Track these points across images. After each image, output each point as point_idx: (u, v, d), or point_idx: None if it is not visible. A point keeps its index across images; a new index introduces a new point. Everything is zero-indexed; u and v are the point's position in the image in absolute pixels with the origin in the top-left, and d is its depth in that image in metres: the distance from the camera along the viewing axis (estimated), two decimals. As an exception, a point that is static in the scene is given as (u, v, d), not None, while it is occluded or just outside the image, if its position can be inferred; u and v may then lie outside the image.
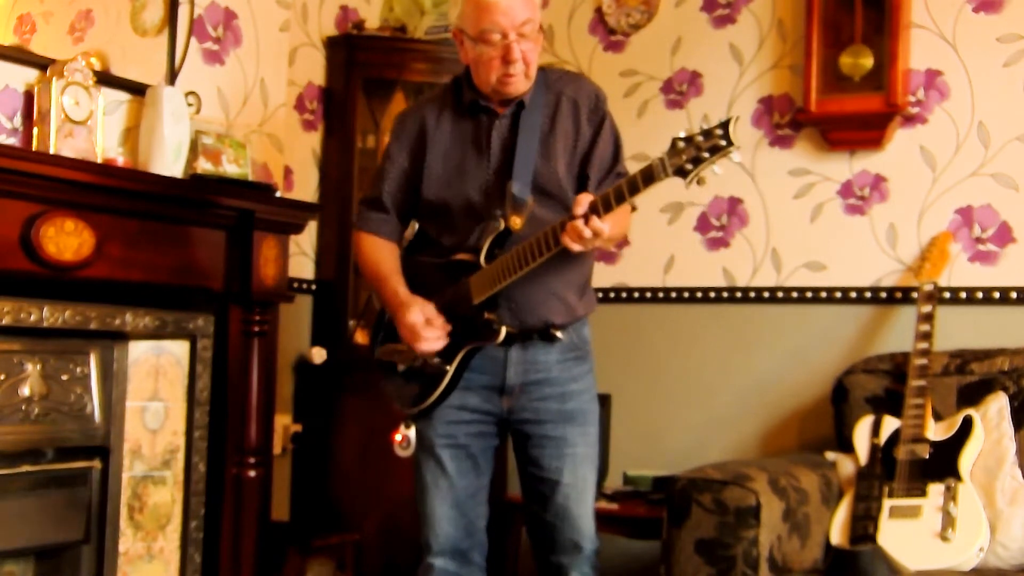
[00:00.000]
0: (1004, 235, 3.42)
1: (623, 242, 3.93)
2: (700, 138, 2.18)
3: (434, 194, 2.56)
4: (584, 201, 2.29)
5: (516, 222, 2.43)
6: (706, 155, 2.17)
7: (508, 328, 2.46)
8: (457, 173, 2.55)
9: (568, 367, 2.57)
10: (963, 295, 3.44)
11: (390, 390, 2.65)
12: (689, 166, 2.18)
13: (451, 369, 2.51)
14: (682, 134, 2.20)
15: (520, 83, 2.49)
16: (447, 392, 2.53)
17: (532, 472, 2.59)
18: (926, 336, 3.17)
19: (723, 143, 2.16)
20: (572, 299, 2.56)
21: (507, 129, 2.53)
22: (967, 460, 2.98)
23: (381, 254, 2.64)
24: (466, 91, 2.56)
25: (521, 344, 2.52)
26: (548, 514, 2.58)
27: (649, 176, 2.23)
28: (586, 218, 2.27)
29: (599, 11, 4.08)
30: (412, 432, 2.59)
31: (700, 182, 2.20)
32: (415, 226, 2.71)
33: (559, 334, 2.52)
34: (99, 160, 2.97)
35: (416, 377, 2.57)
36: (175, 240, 3.10)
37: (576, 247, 2.31)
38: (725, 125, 2.16)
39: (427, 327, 2.47)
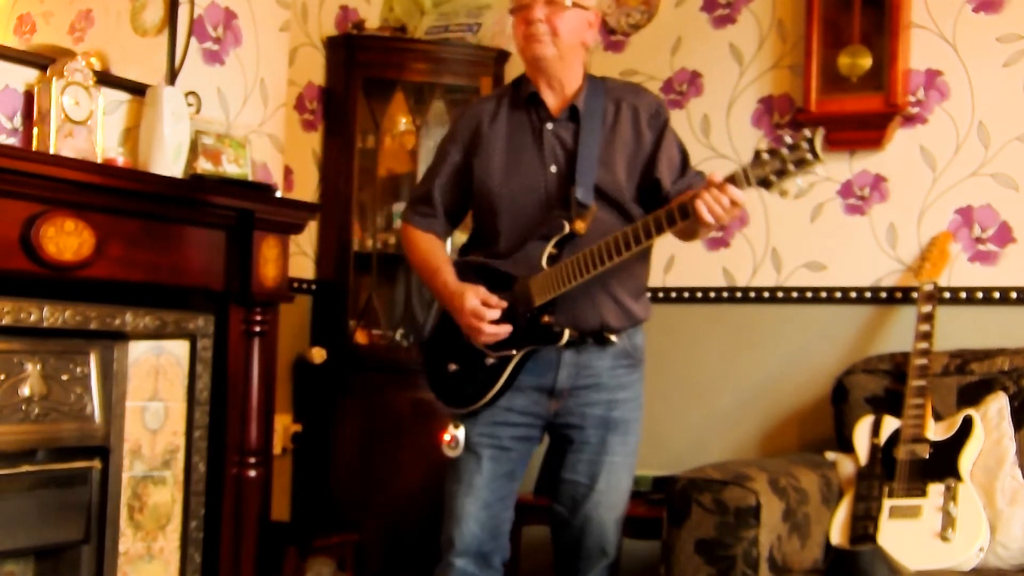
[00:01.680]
0: (1004, 235, 3.42)
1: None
2: (785, 151, 2.21)
3: (490, 187, 2.57)
4: (718, 175, 2.28)
5: (580, 226, 2.44)
6: (792, 168, 2.20)
7: (571, 333, 2.46)
8: (513, 169, 2.55)
9: (618, 375, 2.57)
10: (963, 295, 3.44)
11: (438, 388, 2.63)
12: (773, 178, 2.22)
13: (508, 370, 2.51)
14: (764, 145, 2.24)
15: (546, 46, 2.49)
16: (501, 393, 2.53)
17: (566, 476, 2.59)
18: (926, 336, 3.17)
19: (809, 156, 2.19)
20: (629, 302, 2.56)
21: (565, 132, 2.54)
22: (967, 460, 2.98)
23: (429, 247, 2.65)
24: (524, 84, 2.59)
25: (575, 347, 2.52)
26: (576, 519, 2.58)
27: (731, 184, 2.25)
28: (720, 188, 2.26)
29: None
30: (461, 432, 2.57)
31: (783, 194, 2.23)
32: (469, 227, 2.72)
33: (613, 338, 2.52)
34: (99, 160, 2.97)
35: (468, 376, 2.56)
36: (175, 240, 3.10)
37: (710, 218, 2.27)
38: (811, 140, 2.19)
39: (486, 308, 2.47)
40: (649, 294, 2.68)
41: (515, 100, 2.61)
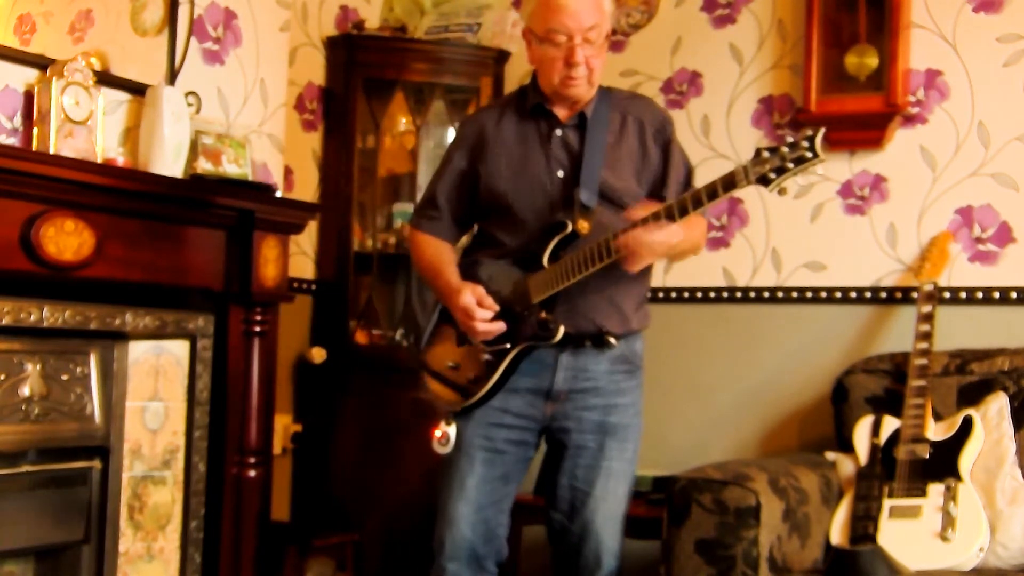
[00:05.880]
0: (1004, 235, 3.42)
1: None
2: (785, 149, 2.21)
3: (496, 189, 2.57)
4: (641, 208, 2.29)
5: (583, 226, 2.45)
6: (791, 165, 2.21)
7: (565, 328, 2.46)
8: (520, 172, 2.56)
9: (616, 380, 2.57)
10: (963, 295, 3.44)
11: (435, 387, 2.64)
12: (773, 175, 2.22)
13: (503, 365, 2.51)
14: (765, 143, 2.24)
15: (582, 87, 2.51)
16: (494, 390, 2.52)
17: (564, 481, 2.58)
18: (926, 336, 3.17)
19: (809, 155, 2.20)
20: (628, 310, 2.57)
21: (572, 138, 2.55)
22: (967, 460, 2.98)
23: (434, 251, 2.66)
24: (531, 94, 2.59)
25: (572, 350, 2.52)
26: (574, 525, 2.57)
27: (731, 183, 2.25)
28: (644, 223, 2.29)
29: (599, 11, 4.08)
30: (452, 429, 2.56)
31: (782, 192, 2.23)
32: (473, 231, 2.72)
33: (612, 340, 2.52)
34: (99, 160, 2.97)
35: (464, 373, 2.57)
36: (175, 240, 3.10)
37: (633, 264, 2.33)
38: (812, 138, 2.19)
39: (479, 308, 2.48)
40: (649, 295, 2.68)
41: (520, 109, 2.61)
